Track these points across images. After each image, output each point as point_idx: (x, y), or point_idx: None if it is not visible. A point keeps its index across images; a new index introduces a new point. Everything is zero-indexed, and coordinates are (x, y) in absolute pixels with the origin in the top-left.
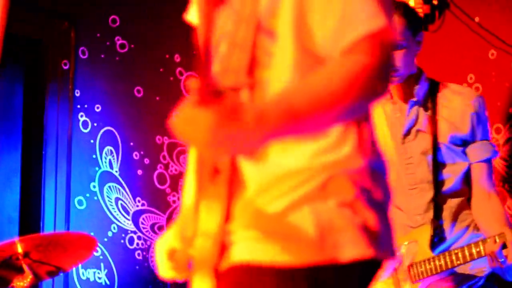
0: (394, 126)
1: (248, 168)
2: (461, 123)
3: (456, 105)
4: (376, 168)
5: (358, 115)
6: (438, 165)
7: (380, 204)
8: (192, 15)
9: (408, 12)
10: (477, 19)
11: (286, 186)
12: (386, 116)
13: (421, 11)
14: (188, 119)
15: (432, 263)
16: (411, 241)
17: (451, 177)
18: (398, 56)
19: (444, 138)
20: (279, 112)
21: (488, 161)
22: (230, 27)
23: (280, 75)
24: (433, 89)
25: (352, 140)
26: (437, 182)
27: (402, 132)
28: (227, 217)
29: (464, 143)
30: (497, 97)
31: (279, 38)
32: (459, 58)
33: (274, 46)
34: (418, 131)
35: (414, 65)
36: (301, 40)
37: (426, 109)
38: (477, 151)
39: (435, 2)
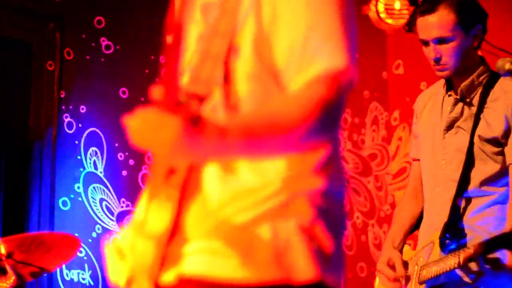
0: (443, 119)
1: (212, 178)
2: (497, 122)
3: (498, 104)
4: (335, 193)
5: (315, 142)
6: (468, 164)
7: (335, 228)
8: None
9: (459, 7)
10: None
11: (251, 200)
12: (443, 109)
13: (406, 12)
14: (150, 125)
15: (437, 265)
16: (429, 242)
17: (478, 177)
18: (446, 50)
19: (479, 138)
20: (238, 131)
21: None
22: (204, 40)
23: (241, 88)
24: (488, 85)
25: (313, 161)
26: (462, 181)
27: (444, 126)
28: (176, 223)
29: (498, 143)
30: None
31: (241, 54)
32: None
33: (238, 61)
34: (458, 127)
35: (467, 59)
36: (262, 58)
37: (470, 106)
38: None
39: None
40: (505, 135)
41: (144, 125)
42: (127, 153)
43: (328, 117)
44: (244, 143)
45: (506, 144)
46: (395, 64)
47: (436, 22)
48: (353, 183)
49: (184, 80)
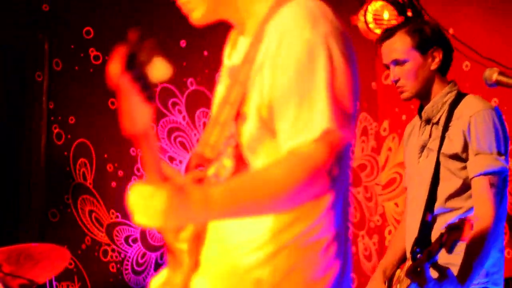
0: (418, 144)
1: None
2: (457, 138)
3: (460, 121)
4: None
5: (305, 202)
6: (434, 183)
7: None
8: None
9: (414, 32)
10: (451, 30)
11: (256, 244)
12: (418, 134)
13: (395, 22)
14: (142, 197)
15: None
16: (406, 259)
17: (443, 194)
18: (403, 72)
19: (443, 155)
20: (223, 199)
21: (486, 174)
22: (216, 107)
23: (245, 153)
24: (454, 103)
25: (316, 213)
26: (429, 199)
27: (417, 151)
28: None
29: (460, 159)
30: None
31: (248, 120)
32: None
33: (244, 127)
34: (428, 149)
35: (427, 81)
36: (265, 124)
37: (438, 126)
38: (471, 166)
39: (409, 14)
40: (464, 150)
41: (138, 197)
42: (116, 164)
43: (322, 176)
44: (228, 209)
45: (467, 159)
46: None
47: (393, 46)
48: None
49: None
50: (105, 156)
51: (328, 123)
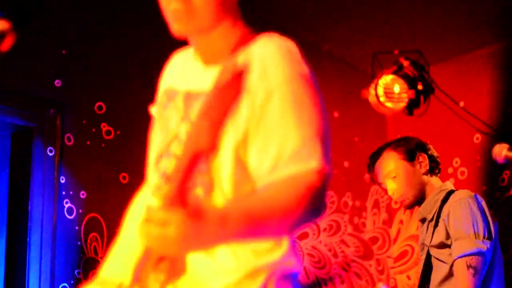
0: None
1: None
2: (442, 229)
3: (444, 213)
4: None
5: (302, 227)
6: (426, 272)
7: None
8: (154, 111)
9: (397, 146)
10: (462, 103)
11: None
12: None
13: (405, 96)
14: (158, 222)
15: None
16: None
17: (436, 279)
18: (397, 184)
19: (432, 246)
20: (239, 218)
21: (463, 257)
22: (190, 135)
23: (220, 184)
24: (444, 200)
25: (285, 244)
26: (421, 284)
27: (420, 250)
28: None
29: (445, 246)
30: (482, 181)
31: (221, 153)
32: (445, 142)
33: (216, 160)
34: (424, 244)
35: (419, 185)
36: (239, 158)
37: (432, 223)
38: (452, 251)
39: (420, 87)
40: (448, 237)
41: (150, 227)
42: None
43: (309, 206)
44: (243, 229)
45: (451, 244)
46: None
47: (383, 164)
48: (354, 266)
49: (162, 163)
50: (116, 230)
51: (322, 158)
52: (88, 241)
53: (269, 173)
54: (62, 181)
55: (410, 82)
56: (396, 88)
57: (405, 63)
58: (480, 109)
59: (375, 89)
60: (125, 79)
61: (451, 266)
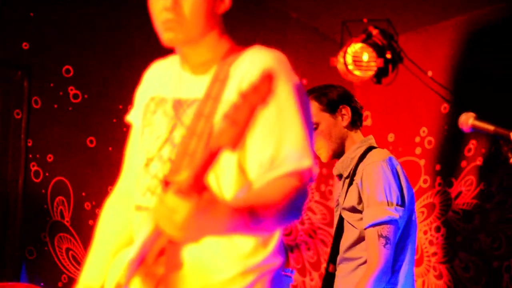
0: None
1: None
2: (354, 191)
3: (357, 175)
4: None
5: (290, 222)
6: (337, 235)
7: None
8: (134, 117)
9: (321, 97)
10: (430, 73)
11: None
12: None
13: (374, 64)
14: (168, 206)
15: None
16: None
17: (344, 245)
18: (316, 135)
19: (344, 209)
20: (242, 210)
21: (374, 225)
22: (183, 138)
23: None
24: (361, 158)
25: (272, 243)
26: (332, 251)
27: (334, 205)
28: None
29: (357, 211)
30: (449, 150)
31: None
32: (412, 111)
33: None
34: (338, 203)
35: (340, 138)
36: (237, 160)
37: (347, 181)
38: (363, 218)
39: (388, 56)
40: (360, 202)
41: (163, 206)
42: (94, 202)
43: (299, 203)
44: (246, 222)
45: (363, 210)
46: (363, 116)
47: None
48: (320, 234)
49: (153, 167)
50: (83, 194)
51: (312, 158)
52: (55, 204)
53: (266, 172)
54: (29, 144)
55: (379, 51)
56: (365, 57)
57: (374, 32)
58: (447, 79)
59: (344, 57)
60: (93, 43)
61: (360, 232)
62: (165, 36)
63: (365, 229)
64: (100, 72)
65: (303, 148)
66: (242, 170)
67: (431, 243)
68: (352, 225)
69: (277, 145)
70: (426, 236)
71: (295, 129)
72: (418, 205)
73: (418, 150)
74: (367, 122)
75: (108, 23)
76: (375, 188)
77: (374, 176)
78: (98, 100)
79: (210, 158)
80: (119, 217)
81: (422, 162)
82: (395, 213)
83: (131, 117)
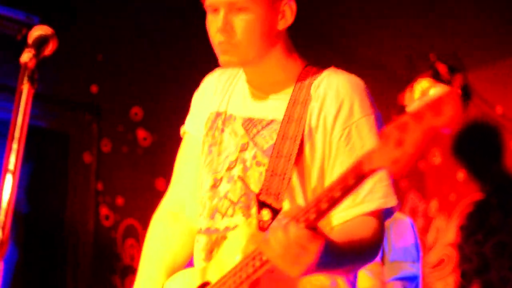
0: None
1: None
2: None
3: None
4: None
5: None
6: None
7: None
8: (191, 126)
9: None
10: (499, 109)
11: None
12: None
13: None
14: (297, 241)
15: None
16: None
17: None
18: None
19: None
20: (343, 249)
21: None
22: (271, 158)
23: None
24: None
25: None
26: None
27: None
28: None
29: None
30: None
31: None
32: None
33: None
34: None
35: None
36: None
37: None
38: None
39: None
40: None
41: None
42: None
43: (379, 245)
44: (343, 260)
45: None
46: (432, 153)
47: None
48: None
49: (222, 187)
50: None
51: (396, 197)
52: (125, 247)
53: (347, 208)
54: (99, 187)
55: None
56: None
57: (442, 67)
58: None
59: (411, 93)
60: (162, 85)
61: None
62: (221, 59)
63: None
64: (168, 114)
65: (387, 185)
66: (315, 193)
67: None
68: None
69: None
70: None
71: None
72: None
73: None
74: (436, 160)
75: (176, 65)
76: None
77: None
78: (167, 141)
79: (345, 193)
80: (174, 234)
81: None
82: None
83: (187, 125)
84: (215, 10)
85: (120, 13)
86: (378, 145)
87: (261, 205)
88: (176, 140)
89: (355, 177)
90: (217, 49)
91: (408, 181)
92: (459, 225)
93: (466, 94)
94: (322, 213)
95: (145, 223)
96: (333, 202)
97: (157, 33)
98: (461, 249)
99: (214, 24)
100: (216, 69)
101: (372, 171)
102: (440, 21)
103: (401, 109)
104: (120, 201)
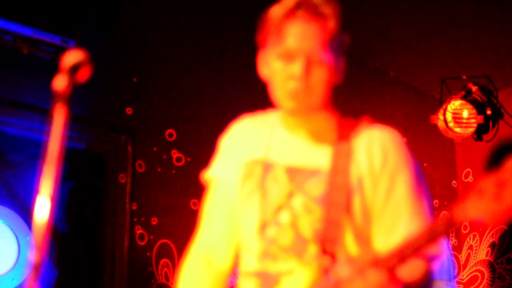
0: None
1: None
2: None
3: None
4: None
5: None
6: None
7: None
8: (219, 171)
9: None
10: None
11: None
12: None
13: (474, 121)
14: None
15: None
16: None
17: None
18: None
19: None
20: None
21: None
22: (325, 204)
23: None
24: None
25: None
26: None
27: None
28: None
29: None
30: None
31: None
32: None
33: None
34: None
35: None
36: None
37: None
38: None
39: (488, 112)
40: None
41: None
42: None
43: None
44: None
45: None
46: (464, 173)
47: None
48: None
49: (270, 231)
50: None
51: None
52: (160, 267)
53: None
54: (134, 208)
55: (479, 107)
56: (465, 114)
57: (474, 88)
58: None
59: (444, 114)
60: (196, 106)
61: None
62: (289, 105)
63: None
64: (202, 135)
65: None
66: (362, 240)
67: None
68: None
69: (407, 227)
70: None
71: (423, 211)
72: None
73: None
74: (469, 179)
75: (210, 87)
76: None
77: None
78: (201, 162)
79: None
80: (207, 278)
81: None
82: None
83: (217, 171)
84: (291, 57)
85: (155, 36)
86: (472, 198)
87: (321, 251)
88: (208, 161)
89: (445, 226)
90: (285, 95)
91: (441, 200)
92: (491, 243)
93: (498, 113)
94: (404, 259)
95: (178, 243)
96: (417, 249)
97: (191, 57)
98: (492, 267)
99: (286, 71)
100: (245, 116)
101: (464, 221)
102: (472, 44)
103: (496, 168)
104: (154, 221)
